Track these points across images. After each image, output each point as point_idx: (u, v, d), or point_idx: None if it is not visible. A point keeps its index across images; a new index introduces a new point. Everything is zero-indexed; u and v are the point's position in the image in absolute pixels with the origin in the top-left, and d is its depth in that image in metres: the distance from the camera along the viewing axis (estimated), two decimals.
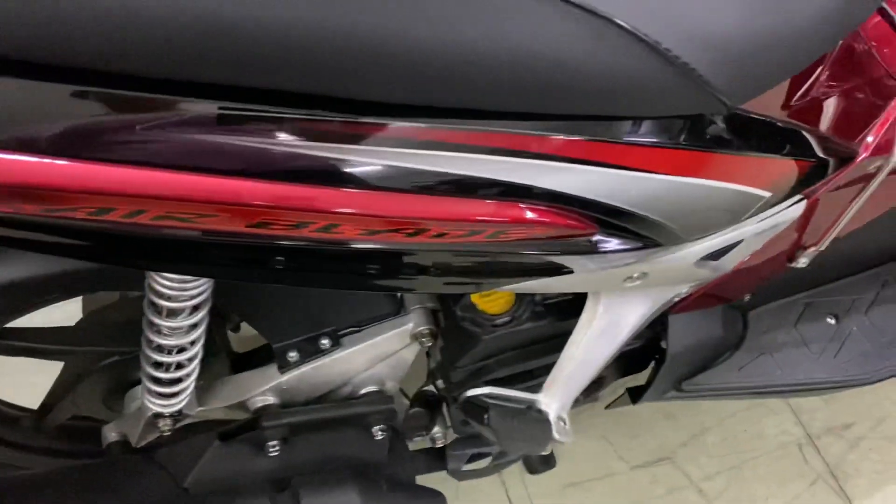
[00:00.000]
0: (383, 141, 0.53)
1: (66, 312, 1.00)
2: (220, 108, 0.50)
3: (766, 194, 0.71)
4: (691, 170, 0.64)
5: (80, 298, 1.05)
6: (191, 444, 0.88)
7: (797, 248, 0.93)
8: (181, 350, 0.80)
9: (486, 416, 0.85)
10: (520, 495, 1.29)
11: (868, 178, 0.87)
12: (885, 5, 0.78)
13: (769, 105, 0.70)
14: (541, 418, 0.87)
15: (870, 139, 0.84)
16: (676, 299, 0.89)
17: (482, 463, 1.07)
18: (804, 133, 0.73)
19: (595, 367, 0.87)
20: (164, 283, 0.71)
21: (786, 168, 0.73)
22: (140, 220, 0.51)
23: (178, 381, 0.83)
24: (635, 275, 0.77)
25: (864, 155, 0.84)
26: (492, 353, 0.90)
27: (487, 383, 0.89)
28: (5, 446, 1.02)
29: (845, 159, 0.83)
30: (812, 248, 0.92)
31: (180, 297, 0.73)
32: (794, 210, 0.84)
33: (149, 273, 0.72)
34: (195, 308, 0.76)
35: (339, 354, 0.89)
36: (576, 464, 1.33)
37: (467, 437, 1.02)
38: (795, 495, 1.30)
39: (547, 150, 0.57)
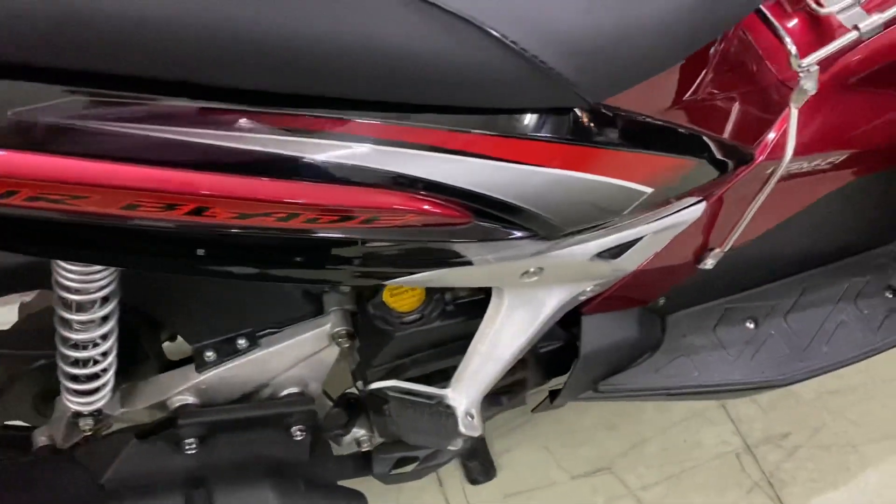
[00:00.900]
0: (248, 127, 0.56)
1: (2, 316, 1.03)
2: (92, 96, 0.53)
3: (647, 190, 0.74)
4: (562, 162, 0.66)
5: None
6: (109, 442, 0.90)
7: (703, 250, 0.95)
8: (95, 345, 0.82)
9: (386, 408, 0.87)
10: None
11: (766, 181, 0.90)
12: (763, 9, 0.80)
13: (648, 103, 0.73)
14: (448, 412, 0.89)
15: (766, 143, 0.88)
16: (583, 298, 0.92)
17: (410, 467, 1.09)
18: (683, 131, 0.76)
19: (502, 363, 0.90)
20: (68, 275, 0.74)
21: (667, 165, 0.76)
22: (12, 202, 0.54)
23: (95, 376, 0.85)
24: (531, 269, 0.79)
25: (760, 158, 0.88)
26: (404, 352, 0.92)
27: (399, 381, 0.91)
28: None
29: (742, 162, 0.87)
30: (717, 250, 0.95)
31: (87, 289, 0.75)
32: (693, 211, 0.87)
33: (53, 266, 0.74)
34: (104, 300, 0.78)
35: (256, 355, 0.91)
36: (517, 474, 1.34)
37: (394, 441, 1.03)
38: (732, 503, 1.32)
39: (413, 139, 0.60)
